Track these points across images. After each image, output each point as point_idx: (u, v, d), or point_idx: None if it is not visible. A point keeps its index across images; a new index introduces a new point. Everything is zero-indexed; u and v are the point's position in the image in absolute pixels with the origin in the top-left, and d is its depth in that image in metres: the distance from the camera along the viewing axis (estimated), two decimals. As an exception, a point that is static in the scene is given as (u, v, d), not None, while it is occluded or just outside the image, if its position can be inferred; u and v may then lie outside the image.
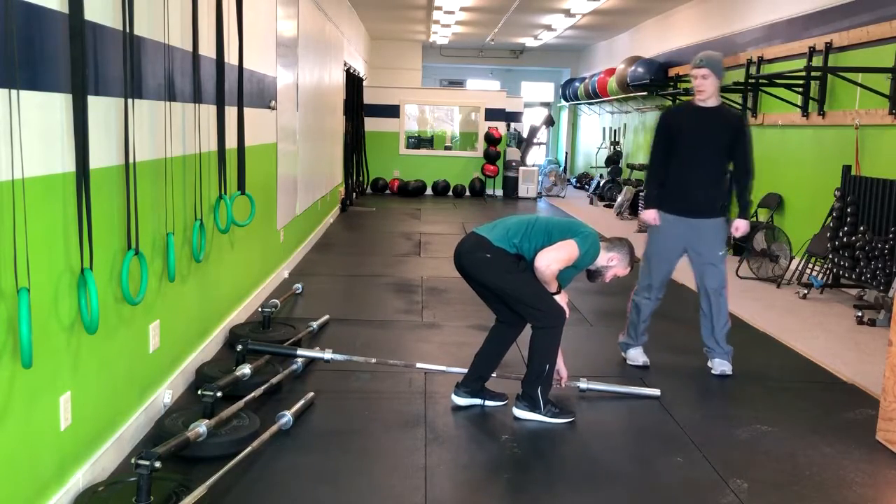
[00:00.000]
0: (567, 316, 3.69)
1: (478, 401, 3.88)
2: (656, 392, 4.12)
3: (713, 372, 4.56)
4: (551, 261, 3.55)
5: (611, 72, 14.31)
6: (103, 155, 2.89)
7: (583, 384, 4.08)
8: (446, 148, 16.28)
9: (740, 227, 4.56)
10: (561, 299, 3.67)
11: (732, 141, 4.42)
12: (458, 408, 3.86)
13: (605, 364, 4.67)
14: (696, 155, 4.41)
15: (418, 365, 4.27)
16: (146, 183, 3.30)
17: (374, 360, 4.25)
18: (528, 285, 3.63)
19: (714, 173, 4.46)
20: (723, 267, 4.51)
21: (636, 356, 4.64)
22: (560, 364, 3.91)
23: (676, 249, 4.50)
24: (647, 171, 4.69)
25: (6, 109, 2.20)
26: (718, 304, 4.53)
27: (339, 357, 4.19)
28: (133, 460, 2.67)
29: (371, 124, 14.35)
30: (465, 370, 3.95)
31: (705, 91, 4.36)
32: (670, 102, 11.78)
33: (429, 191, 14.76)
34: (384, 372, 4.34)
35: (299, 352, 4.19)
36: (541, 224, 3.69)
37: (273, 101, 6.04)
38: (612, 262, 3.77)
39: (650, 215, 4.54)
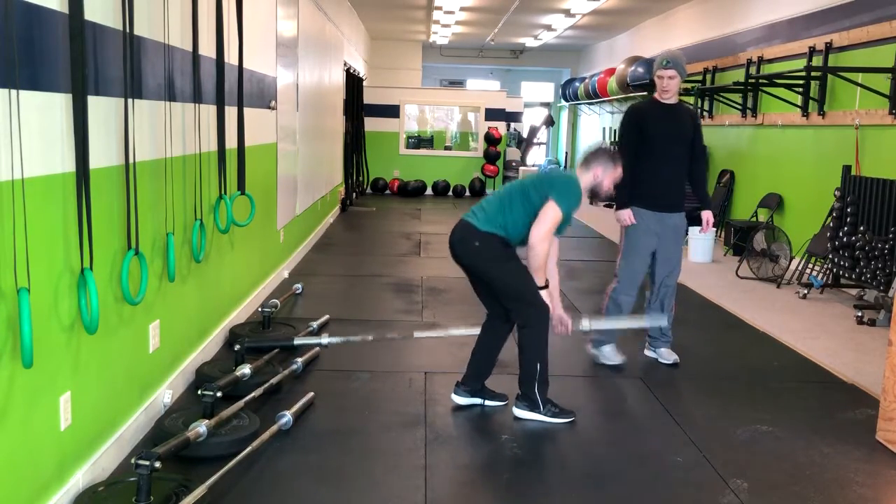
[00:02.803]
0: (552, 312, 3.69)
1: (478, 400, 3.88)
2: (663, 321, 4.16)
3: (665, 362, 4.60)
4: (542, 236, 3.52)
5: (611, 72, 14.30)
6: (103, 155, 2.89)
7: (585, 324, 4.08)
8: (446, 148, 16.29)
9: (710, 218, 4.72)
10: (547, 297, 3.65)
11: (693, 137, 4.57)
12: (458, 408, 3.86)
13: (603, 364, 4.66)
14: (668, 151, 4.50)
15: (416, 334, 4.49)
16: (146, 183, 3.30)
17: (370, 337, 4.42)
18: (515, 278, 3.62)
19: (683, 168, 4.59)
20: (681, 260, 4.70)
21: (611, 354, 4.55)
22: (561, 312, 3.81)
23: (652, 244, 4.52)
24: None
25: (6, 109, 2.20)
26: (672, 297, 4.64)
27: (336, 340, 4.31)
28: (133, 460, 2.67)
29: (371, 124, 14.34)
30: (463, 331, 3.99)
31: (671, 90, 4.47)
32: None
33: (429, 191, 14.75)
34: (384, 372, 4.34)
35: (296, 341, 4.29)
36: (516, 193, 3.66)
37: (273, 102, 6.04)
38: (598, 177, 3.76)
39: (627, 214, 4.50)
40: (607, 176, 3.77)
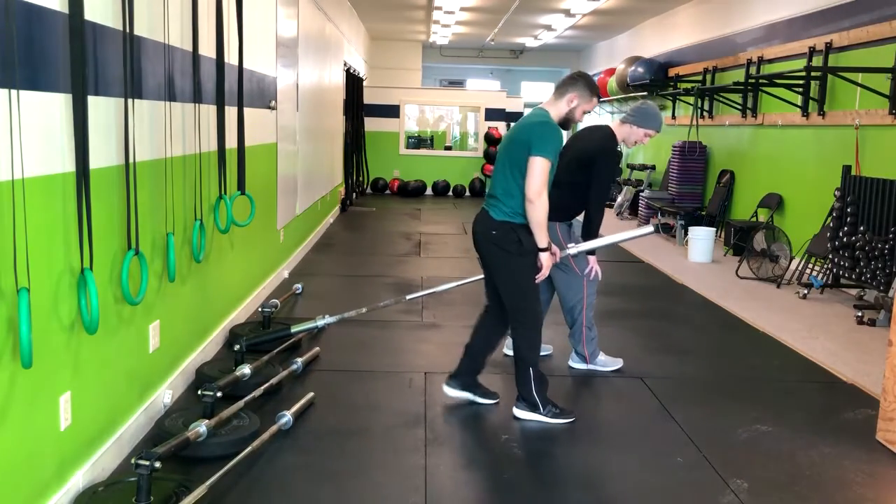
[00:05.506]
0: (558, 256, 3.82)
1: (468, 395, 3.88)
2: (649, 229, 4.24)
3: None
4: (537, 190, 3.47)
5: (611, 72, 14.30)
6: (103, 155, 2.89)
7: (571, 250, 4.11)
8: (446, 148, 16.29)
9: None
10: (548, 258, 3.62)
11: None
12: (458, 408, 3.86)
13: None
14: None
15: (408, 297, 4.80)
16: (146, 183, 3.30)
17: (364, 310, 4.63)
18: (518, 278, 3.63)
19: None
20: None
21: (608, 361, 4.53)
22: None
23: None
24: (601, 200, 4.34)
25: (6, 109, 2.20)
26: None
27: (331, 319, 4.47)
28: (133, 460, 2.67)
29: (371, 124, 14.34)
30: (454, 284, 4.21)
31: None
32: (670, 102, 11.78)
33: (429, 191, 14.76)
34: (384, 372, 4.34)
35: (293, 329, 4.37)
36: (508, 172, 3.57)
37: (273, 101, 6.04)
38: (573, 103, 3.67)
39: None
40: (581, 105, 3.69)
